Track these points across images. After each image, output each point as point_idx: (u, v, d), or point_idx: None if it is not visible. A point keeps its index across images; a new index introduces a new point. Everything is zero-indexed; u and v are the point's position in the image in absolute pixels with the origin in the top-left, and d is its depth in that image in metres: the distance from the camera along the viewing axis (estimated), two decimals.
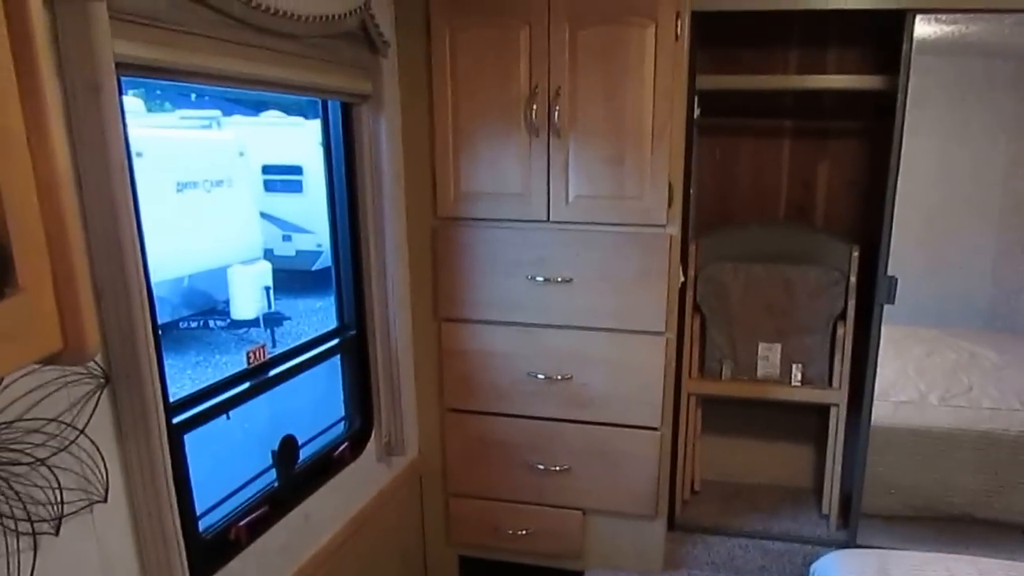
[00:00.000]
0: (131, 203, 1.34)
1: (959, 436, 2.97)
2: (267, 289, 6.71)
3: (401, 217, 2.50)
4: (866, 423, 2.64)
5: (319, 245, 7.38)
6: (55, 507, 1.28)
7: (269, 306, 6.63)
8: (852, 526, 2.74)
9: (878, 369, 3.43)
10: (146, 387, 1.41)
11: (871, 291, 2.60)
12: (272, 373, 2.07)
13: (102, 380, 1.38)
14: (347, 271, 2.35)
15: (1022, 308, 4.32)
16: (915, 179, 4.10)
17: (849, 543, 2.72)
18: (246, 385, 1.96)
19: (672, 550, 2.73)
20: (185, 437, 1.68)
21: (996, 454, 2.95)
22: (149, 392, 1.42)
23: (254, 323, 6.63)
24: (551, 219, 2.40)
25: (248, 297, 6.57)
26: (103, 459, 1.39)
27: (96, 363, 1.37)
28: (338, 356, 2.39)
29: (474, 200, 2.45)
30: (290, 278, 7.53)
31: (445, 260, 2.52)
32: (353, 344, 2.39)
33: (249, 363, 2.06)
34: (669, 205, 2.31)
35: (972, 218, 4.29)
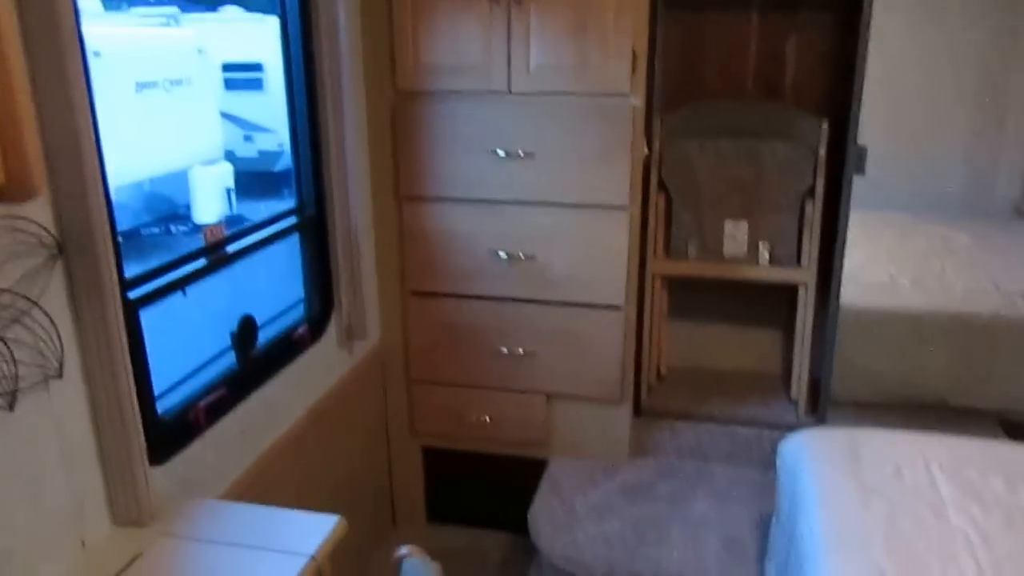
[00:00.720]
0: (87, 104, 1.31)
1: (931, 319, 2.98)
2: (229, 191, 6.56)
3: (360, 93, 2.42)
4: (835, 303, 2.64)
5: (280, 145, 7.19)
6: (9, 381, 1.25)
7: (231, 209, 6.49)
8: (821, 411, 2.76)
9: (848, 251, 3.42)
10: (101, 259, 1.37)
11: (841, 167, 2.56)
12: (229, 250, 2.02)
13: (55, 251, 1.34)
14: (305, 149, 2.27)
15: (995, 191, 4.30)
16: (889, 59, 4.03)
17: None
18: (203, 262, 1.91)
19: (638, 437, 2.74)
20: (142, 313, 1.63)
21: (969, 338, 2.96)
22: (104, 263, 1.38)
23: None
24: (512, 90, 2.32)
25: (210, 200, 6.42)
26: (58, 333, 1.35)
27: (49, 233, 1.32)
28: (297, 236, 2.34)
29: (434, 72, 2.37)
30: (253, 180, 7.37)
31: (405, 136, 2.45)
32: (312, 224, 2.32)
33: (207, 241, 2.01)
34: (633, 72, 2.24)
35: (946, 100, 4.22)
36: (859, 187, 4.39)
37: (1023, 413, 2.94)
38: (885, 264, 3.34)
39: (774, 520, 2.04)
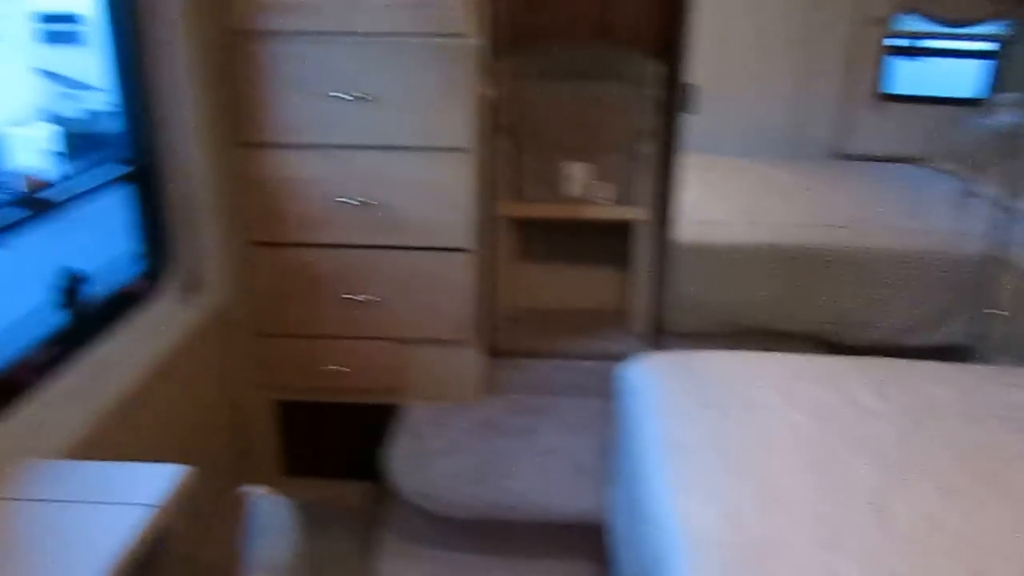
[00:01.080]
0: None
1: (757, 252, 3.21)
2: (59, 155, 6.10)
3: (192, 32, 2.29)
4: (670, 239, 2.79)
5: (113, 103, 6.73)
6: None
7: (58, 172, 6.05)
8: (659, 342, 2.93)
9: (685, 190, 3.60)
10: None
11: (674, 107, 2.69)
12: (53, 200, 1.90)
13: None
14: (133, 97, 2.15)
15: (819, 136, 4.64)
16: (721, 3, 4.24)
17: None
18: (23, 213, 1.79)
19: (492, 376, 2.82)
20: None
21: (793, 268, 3.21)
22: None
23: None
24: (351, 30, 2.28)
25: (32, 164, 5.95)
26: None
27: None
28: (129, 189, 2.22)
29: (269, 11, 2.28)
30: (84, 142, 6.88)
31: (242, 79, 2.35)
32: (145, 175, 2.21)
33: (28, 190, 1.87)
34: (471, 12, 2.25)
35: (773, 45, 4.49)
36: (696, 131, 4.59)
37: (838, 333, 3.23)
38: (719, 203, 3.55)
39: (616, 442, 2.16)
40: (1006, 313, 2.96)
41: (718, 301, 3.17)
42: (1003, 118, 3.80)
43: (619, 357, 2.90)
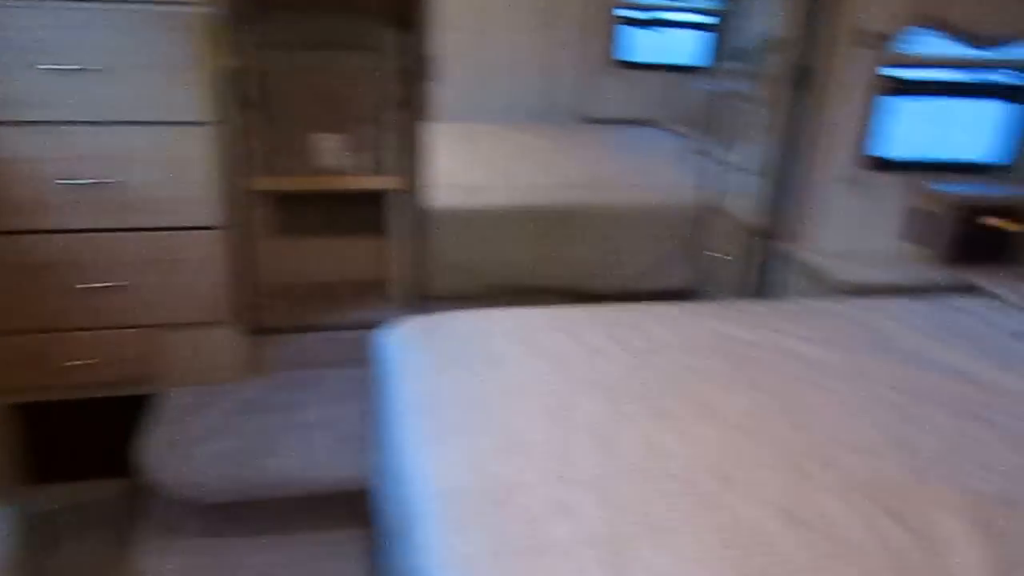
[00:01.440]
0: None
1: (512, 213, 3.38)
2: None
3: None
4: (423, 206, 2.86)
5: None
6: None
7: None
8: (416, 305, 2.99)
9: (444, 158, 3.68)
10: None
11: (418, 77, 2.74)
12: None
13: None
14: None
15: (566, 101, 4.92)
16: None
17: None
18: None
19: (255, 355, 2.75)
20: None
21: (544, 227, 3.41)
22: None
23: None
24: None
25: None
26: None
27: None
28: None
29: None
30: None
31: None
32: None
33: None
34: None
35: (520, 17, 4.68)
36: (455, 99, 4.70)
37: (584, 285, 3.48)
38: (475, 169, 3.68)
39: (377, 407, 2.21)
40: (724, 256, 3.33)
41: (476, 263, 3.30)
42: (721, 83, 4.23)
43: (379, 324, 2.97)
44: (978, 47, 2.68)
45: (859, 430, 1.76)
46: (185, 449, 2.32)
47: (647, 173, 3.78)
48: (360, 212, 3.15)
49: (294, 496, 2.24)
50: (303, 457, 2.28)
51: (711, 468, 1.60)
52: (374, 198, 3.03)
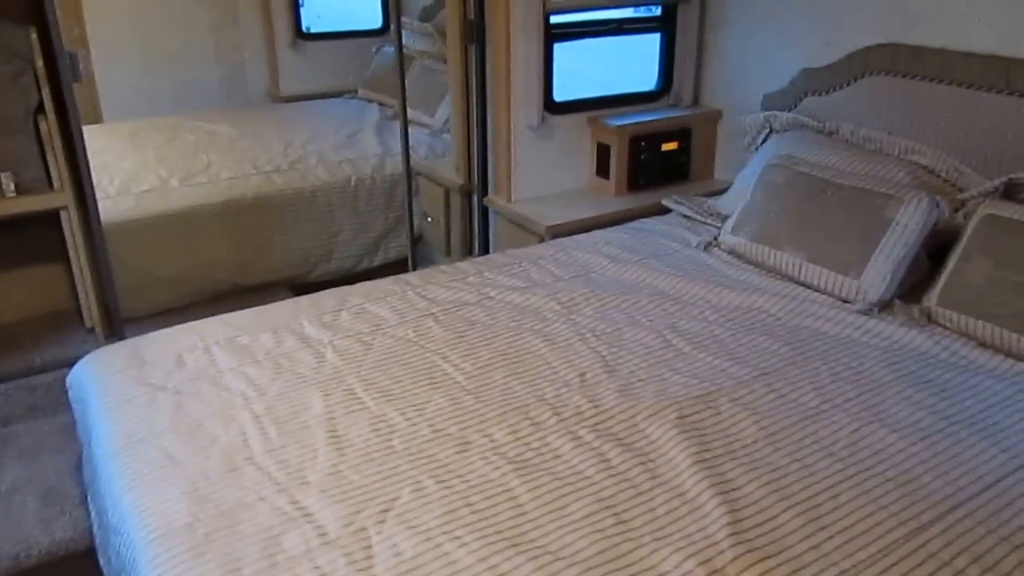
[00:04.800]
0: None
1: (205, 211, 3.18)
2: None
3: None
4: (97, 219, 2.60)
5: None
6: None
7: None
8: (118, 331, 2.74)
9: (118, 163, 3.38)
10: None
11: (60, 78, 2.46)
12: None
13: None
14: None
15: (254, 81, 4.70)
16: None
17: None
18: None
19: None
20: None
21: (241, 221, 3.24)
22: None
23: None
24: None
25: None
26: None
27: None
28: None
29: None
30: None
31: None
32: None
33: None
34: None
35: (181, 2, 4.38)
36: (119, 98, 4.33)
37: (301, 275, 3.39)
38: (156, 169, 3.41)
39: (83, 454, 2.01)
40: (430, 219, 3.38)
41: (175, 271, 3.08)
42: (404, 45, 4.24)
43: (76, 360, 2.66)
44: None
45: (575, 365, 1.87)
46: None
47: (345, 147, 3.71)
48: (33, 238, 2.79)
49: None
50: (5, 528, 2.01)
51: (445, 437, 1.63)
52: (40, 220, 2.70)
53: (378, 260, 3.56)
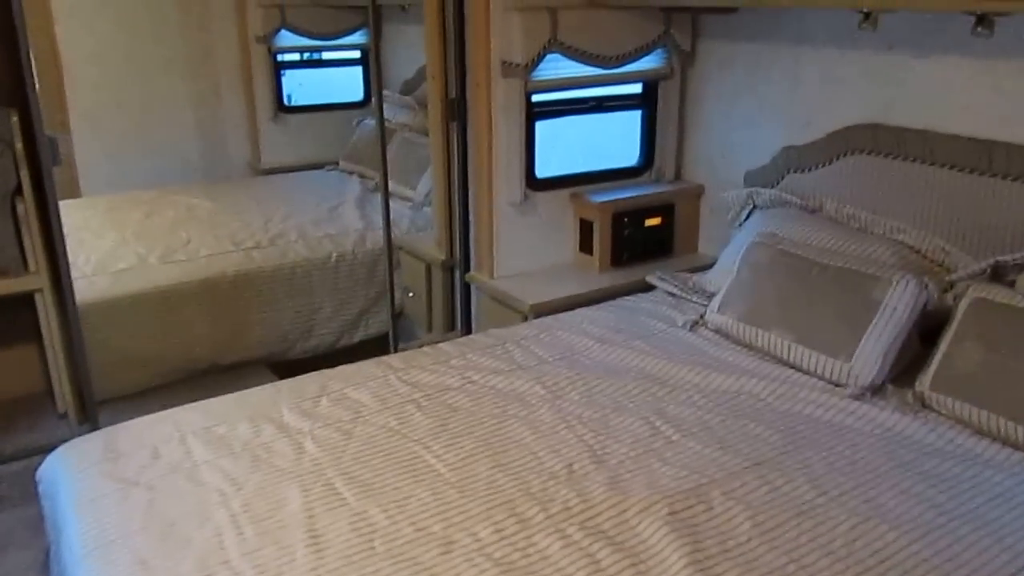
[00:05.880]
0: None
1: (183, 289, 3.14)
2: None
3: None
4: (73, 302, 2.55)
5: None
6: None
7: None
8: (91, 416, 2.67)
9: (96, 241, 3.34)
10: None
11: (39, 160, 2.44)
12: None
13: None
14: None
15: (235, 154, 4.71)
16: (97, 40, 4.04)
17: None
18: None
19: None
20: None
21: (220, 299, 3.20)
22: None
23: None
24: None
25: None
26: None
27: None
28: None
29: None
30: None
31: None
32: None
33: None
34: None
35: (160, 73, 4.41)
36: (99, 172, 4.32)
37: (281, 352, 3.34)
38: (134, 246, 3.38)
39: (51, 552, 1.93)
40: (412, 294, 3.36)
41: (152, 351, 3.03)
42: (385, 118, 4.27)
43: (48, 447, 2.53)
44: (605, 66, 2.96)
45: (561, 454, 1.83)
46: None
47: (330, 221, 3.70)
48: (6, 320, 2.73)
49: None
50: None
51: (429, 536, 1.57)
52: (12, 300, 2.64)
53: (359, 336, 3.51)
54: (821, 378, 2.17)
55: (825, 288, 2.26)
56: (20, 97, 2.55)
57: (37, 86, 2.43)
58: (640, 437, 1.91)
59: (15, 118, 2.50)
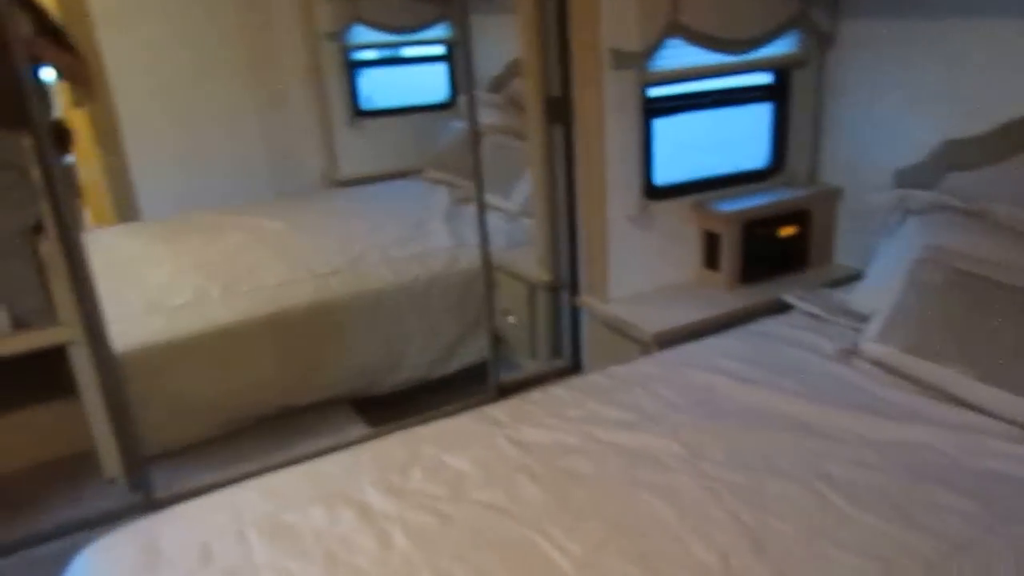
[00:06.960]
0: None
1: (249, 326, 2.97)
2: None
3: None
4: (108, 353, 2.41)
5: None
6: None
7: None
8: (143, 481, 2.53)
9: (146, 274, 3.14)
10: None
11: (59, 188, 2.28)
12: None
13: None
14: None
15: (299, 165, 4.60)
16: (149, 55, 3.96)
17: (146, 504, 2.48)
18: None
19: None
20: None
21: (294, 333, 3.04)
22: None
23: None
24: None
25: None
26: None
27: None
28: None
29: None
30: None
31: None
32: None
33: None
34: None
35: (222, 80, 4.31)
36: (158, 193, 4.15)
37: (367, 388, 3.17)
38: (193, 277, 3.23)
39: None
40: (511, 319, 3.16)
41: (213, 397, 2.86)
42: (474, 119, 4.10)
43: (95, 522, 2.39)
44: (733, 52, 2.71)
45: (712, 540, 1.59)
46: None
47: (416, 239, 3.51)
48: (40, 375, 2.62)
49: None
50: None
51: None
52: (51, 354, 2.51)
53: (453, 366, 3.33)
54: (1012, 423, 1.89)
55: (1012, 315, 1.98)
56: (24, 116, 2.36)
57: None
58: (805, 511, 1.66)
59: (28, 142, 2.25)
